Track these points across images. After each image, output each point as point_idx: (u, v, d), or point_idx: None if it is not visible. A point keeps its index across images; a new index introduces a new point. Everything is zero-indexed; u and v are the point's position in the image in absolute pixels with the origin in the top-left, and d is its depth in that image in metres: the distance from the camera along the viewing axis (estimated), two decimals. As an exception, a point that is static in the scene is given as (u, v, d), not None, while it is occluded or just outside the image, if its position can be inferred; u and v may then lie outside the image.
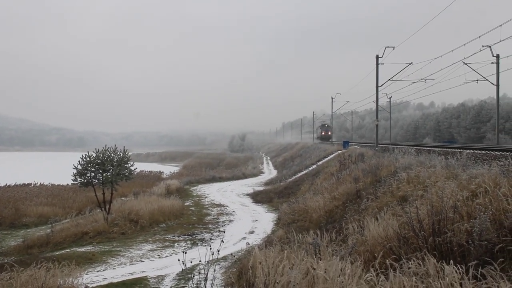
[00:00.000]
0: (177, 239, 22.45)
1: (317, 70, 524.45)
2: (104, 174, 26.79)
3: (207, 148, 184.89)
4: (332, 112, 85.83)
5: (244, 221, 27.13)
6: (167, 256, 18.85)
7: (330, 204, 20.90)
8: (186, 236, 22.97)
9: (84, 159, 26.67)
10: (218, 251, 9.87)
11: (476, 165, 14.11)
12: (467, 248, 7.70)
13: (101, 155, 26.81)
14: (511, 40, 26.31)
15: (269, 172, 69.02)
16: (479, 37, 30.16)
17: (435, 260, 7.28)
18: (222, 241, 16.18)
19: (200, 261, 12.45)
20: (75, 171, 26.56)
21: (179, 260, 10.31)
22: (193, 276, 13.31)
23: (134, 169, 29.26)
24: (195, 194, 42.31)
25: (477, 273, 6.73)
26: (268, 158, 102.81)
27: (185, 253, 11.46)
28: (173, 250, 19.82)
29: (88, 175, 26.75)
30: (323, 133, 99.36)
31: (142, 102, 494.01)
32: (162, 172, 61.98)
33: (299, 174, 46.90)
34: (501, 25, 25.68)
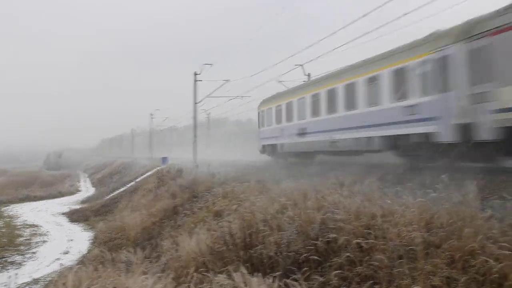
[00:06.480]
0: (-16, 263, 21.04)
1: (137, 85, 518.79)
2: None
3: (21, 166, 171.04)
4: (150, 128, 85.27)
5: (59, 241, 26.35)
6: (-29, 282, 17.16)
7: (147, 221, 20.67)
8: (-5, 260, 21.38)
9: None
10: (14, 275, 9.10)
11: (288, 179, 14.80)
12: (276, 259, 7.98)
13: None
14: (320, 60, 28.34)
15: (87, 189, 66.71)
16: (292, 56, 31.97)
17: (241, 273, 7.40)
18: (17, 265, 15.17)
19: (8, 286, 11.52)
20: None
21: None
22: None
23: None
24: (6, 214, 40.01)
25: (284, 284, 6.96)
26: (86, 175, 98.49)
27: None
28: (-20, 276, 18.10)
29: None
30: None
31: None
32: (-31, 193, 56.13)
33: (118, 191, 46.13)
34: (311, 46, 27.64)
